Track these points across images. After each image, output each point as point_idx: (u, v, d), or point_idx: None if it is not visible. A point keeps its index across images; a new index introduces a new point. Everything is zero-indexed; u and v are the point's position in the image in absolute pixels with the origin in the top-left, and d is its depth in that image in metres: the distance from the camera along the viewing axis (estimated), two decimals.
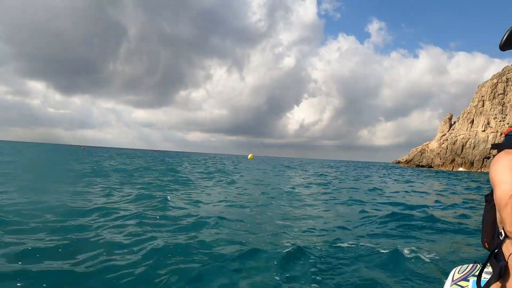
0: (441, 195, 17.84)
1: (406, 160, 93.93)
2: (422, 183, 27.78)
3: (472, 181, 32.02)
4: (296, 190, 16.71)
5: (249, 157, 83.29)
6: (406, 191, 19.15)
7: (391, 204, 12.91)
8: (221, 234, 6.94)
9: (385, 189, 19.71)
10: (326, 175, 32.00)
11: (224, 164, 48.51)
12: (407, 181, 28.49)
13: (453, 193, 19.24)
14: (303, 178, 26.77)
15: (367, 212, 10.83)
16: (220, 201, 11.80)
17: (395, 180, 30.15)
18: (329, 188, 19.11)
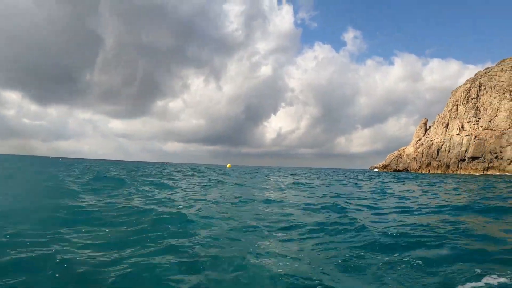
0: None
1: (383, 165, 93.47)
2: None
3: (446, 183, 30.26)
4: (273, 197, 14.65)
5: (227, 166, 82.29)
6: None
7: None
8: None
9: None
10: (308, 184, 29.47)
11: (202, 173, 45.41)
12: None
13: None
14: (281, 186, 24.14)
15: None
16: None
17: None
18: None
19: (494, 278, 4.37)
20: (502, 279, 4.34)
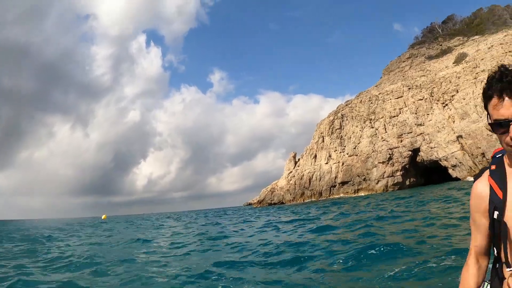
0: None
1: (258, 200, 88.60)
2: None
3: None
4: None
5: (102, 217, 74.91)
6: None
7: None
8: None
9: None
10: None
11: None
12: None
13: None
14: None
15: None
16: None
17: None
18: None
19: None
20: None
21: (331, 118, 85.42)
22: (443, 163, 54.77)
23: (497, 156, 1.88)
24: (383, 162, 67.78)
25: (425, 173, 63.81)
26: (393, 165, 65.23)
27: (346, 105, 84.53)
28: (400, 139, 67.58)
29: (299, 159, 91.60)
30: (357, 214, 18.90)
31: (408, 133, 65.73)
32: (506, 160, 1.76)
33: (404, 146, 65.07)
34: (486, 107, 1.70)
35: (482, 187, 1.76)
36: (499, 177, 1.70)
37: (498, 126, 1.59)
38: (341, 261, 7.49)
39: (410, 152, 63.36)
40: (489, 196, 1.71)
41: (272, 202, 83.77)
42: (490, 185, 1.71)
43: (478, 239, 1.80)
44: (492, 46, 53.98)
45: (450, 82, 58.27)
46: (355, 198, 46.88)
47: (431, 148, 58.09)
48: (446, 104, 57.65)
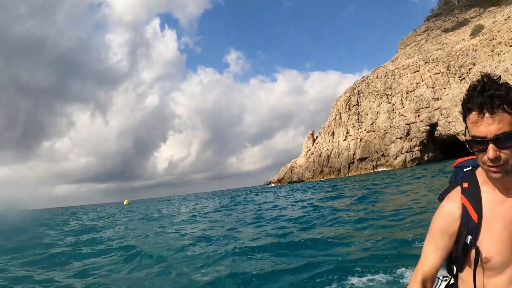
0: None
1: (278, 179, 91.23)
2: None
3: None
4: None
5: (124, 203, 78.16)
6: None
7: None
8: None
9: None
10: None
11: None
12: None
13: None
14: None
15: None
16: None
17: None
18: None
19: None
20: None
21: (348, 94, 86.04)
22: (461, 137, 55.60)
23: (465, 170, 1.73)
24: (400, 138, 68.83)
25: (444, 148, 64.60)
26: (411, 141, 66.23)
27: (363, 81, 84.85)
28: (417, 114, 68.19)
29: (317, 137, 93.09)
30: None
31: (425, 107, 66.25)
32: (479, 176, 1.61)
33: (421, 121, 65.80)
34: (464, 120, 1.52)
35: (452, 208, 1.58)
36: (473, 197, 1.55)
37: (475, 143, 1.44)
38: None
39: (427, 127, 64.13)
40: (461, 218, 1.55)
41: (292, 180, 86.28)
42: (463, 205, 1.55)
43: (431, 262, 1.60)
44: (509, 17, 53.53)
45: (467, 55, 58.24)
46: (376, 174, 47.86)
47: (449, 122, 58.82)
48: (463, 78, 57.88)
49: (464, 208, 1.55)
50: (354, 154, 76.74)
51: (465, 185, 1.60)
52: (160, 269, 6.87)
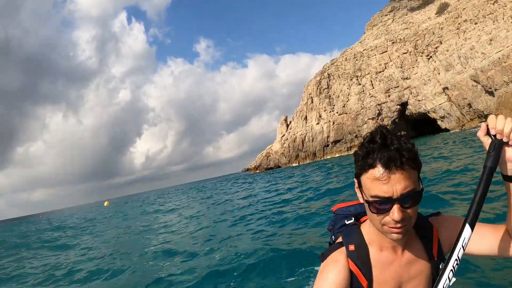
0: None
1: (255, 166, 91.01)
2: None
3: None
4: None
5: (105, 204, 76.94)
6: None
7: None
8: None
9: None
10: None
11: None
12: None
13: None
14: None
15: None
16: None
17: None
18: None
19: None
20: None
21: (318, 78, 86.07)
22: (432, 115, 56.91)
23: (347, 222, 1.53)
24: (372, 118, 69.73)
25: (415, 125, 66.00)
26: (383, 120, 67.21)
27: (332, 64, 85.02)
28: (387, 94, 69.16)
29: (290, 122, 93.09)
30: None
31: (395, 87, 67.25)
32: (365, 235, 1.43)
33: (392, 101, 66.82)
34: (358, 176, 1.31)
35: (338, 273, 1.36)
36: (362, 261, 1.38)
37: (378, 204, 1.23)
38: None
39: (398, 106, 65.24)
40: (349, 285, 1.37)
41: (269, 166, 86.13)
42: (351, 270, 1.37)
43: None
44: None
45: (433, 33, 59.19)
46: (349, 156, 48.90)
47: (419, 101, 59.97)
48: (431, 56, 58.92)
49: (352, 274, 1.38)
50: (328, 137, 77.28)
51: (351, 247, 1.40)
52: None
